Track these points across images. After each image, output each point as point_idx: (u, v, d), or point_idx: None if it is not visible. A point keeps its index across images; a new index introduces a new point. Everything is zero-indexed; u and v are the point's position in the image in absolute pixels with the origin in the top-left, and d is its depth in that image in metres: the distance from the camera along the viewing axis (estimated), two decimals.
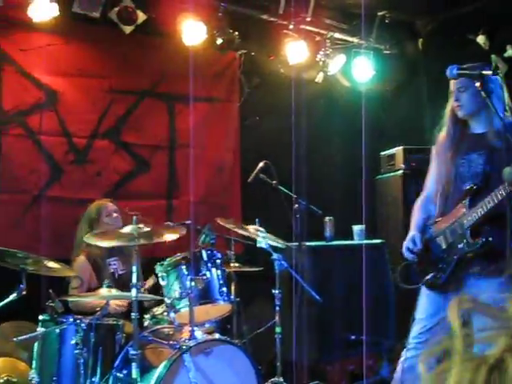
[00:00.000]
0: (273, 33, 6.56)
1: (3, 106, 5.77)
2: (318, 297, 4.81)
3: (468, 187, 3.70)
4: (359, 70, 6.90)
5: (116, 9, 5.78)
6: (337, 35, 6.81)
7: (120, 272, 5.05)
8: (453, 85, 3.82)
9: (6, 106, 5.78)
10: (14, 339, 4.17)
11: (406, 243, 3.90)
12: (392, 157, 6.70)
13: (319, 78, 6.89)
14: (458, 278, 3.73)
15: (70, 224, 5.88)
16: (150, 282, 4.87)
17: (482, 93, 3.52)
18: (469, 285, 3.68)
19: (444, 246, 3.81)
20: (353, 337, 5.65)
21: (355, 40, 6.89)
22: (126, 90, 6.28)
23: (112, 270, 5.06)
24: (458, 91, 3.77)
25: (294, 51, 6.45)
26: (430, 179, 4.03)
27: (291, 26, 6.41)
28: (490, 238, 3.58)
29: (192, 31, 5.93)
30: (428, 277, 3.84)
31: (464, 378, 0.86)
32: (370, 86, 7.03)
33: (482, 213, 3.56)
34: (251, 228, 4.87)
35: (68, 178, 6.00)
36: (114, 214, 5.13)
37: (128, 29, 5.87)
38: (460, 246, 3.70)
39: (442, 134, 3.94)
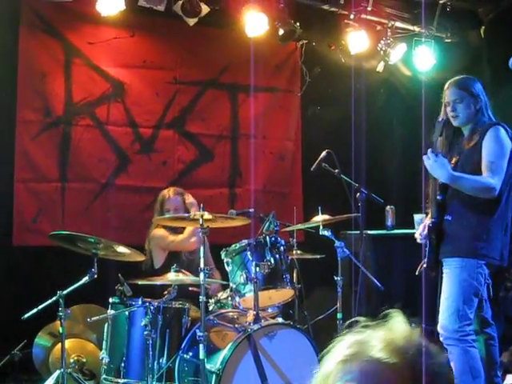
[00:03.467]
0: (334, 23, 6.59)
1: (73, 97, 5.99)
2: (379, 284, 4.85)
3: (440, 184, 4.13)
4: (420, 58, 6.85)
5: (180, 2, 5.89)
6: (398, 24, 6.78)
7: (190, 257, 5.17)
8: (448, 96, 4.14)
9: (75, 98, 6.00)
10: (88, 319, 4.36)
11: (419, 229, 4.31)
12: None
13: (380, 67, 6.89)
14: (437, 262, 4.13)
15: (137, 211, 6.09)
16: None
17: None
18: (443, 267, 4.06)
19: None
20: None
21: (416, 29, 6.85)
22: (190, 80, 6.45)
23: (177, 254, 5.18)
24: (454, 102, 4.09)
25: (355, 41, 6.47)
26: None
27: (352, 16, 6.42)
28: (449, 217, 4.02)
29: (254, 22, 6.01)
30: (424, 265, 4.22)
31: None
32: (432, 75, 6.99)
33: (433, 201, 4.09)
34: (315, 218, 4.95)
35: (134, 167, 6.20)
36: (171, 212, 5.10)
37: (192, 21, 5.99)
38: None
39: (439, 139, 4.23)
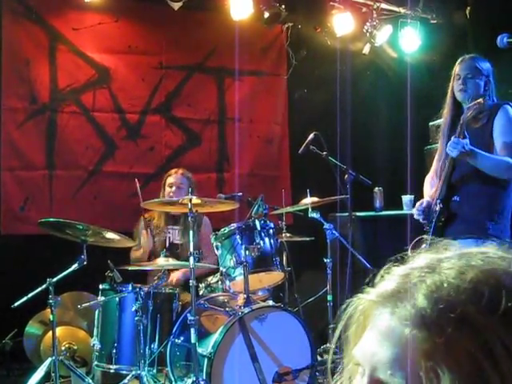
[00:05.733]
0: (319, 5, 6.56)
1: (58, 84, 5.95)
2: (368, 265, 4.87)
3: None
4: (406, 40, 6.84)
5: None
6: (383, 6, 6.75)
7: (175, 241, 5.19)
8: (460, 69, 4.04)
9: (60, 85, 5.96)
10: (78, 306, 4.36)
11: (416, 205, 4.18)
12: (440, 127, 6.66)
13: (366, 49, 6.87)
14: None
15: (124, 198, 6.07)
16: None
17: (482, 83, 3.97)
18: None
19: (431, 217, 4.08)
20: None
21: (402, 10, 6.83)
22: (175, 65, 6.40)
23: (164, 238, 5.18)
24: (465, 76, 4.00)
25: (341, 23, 6.44)
26: (436, 156, 4.31)
27: None
28: (457, 198, 3.95)
29: (239, 6, 5.98)
30: (423, 246, 3.99)
31: None
32: (417, 57, 6.99)
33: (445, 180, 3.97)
34: (304, 200, 4.94)
35: (121, 154, 6.17)
36: (174, 188, 5.16)
37: (176, 5, 5.94)
38: (435, 210, 4.02)
39: (444, 115, 4.22)
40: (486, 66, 4.07)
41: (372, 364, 0.78)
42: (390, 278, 0.82)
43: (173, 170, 5.31)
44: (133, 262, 5.02)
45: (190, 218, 4.11)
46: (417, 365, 0.73)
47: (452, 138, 3.87)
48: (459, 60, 4.11)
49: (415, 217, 4.18)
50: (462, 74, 4.02)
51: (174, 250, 5.02)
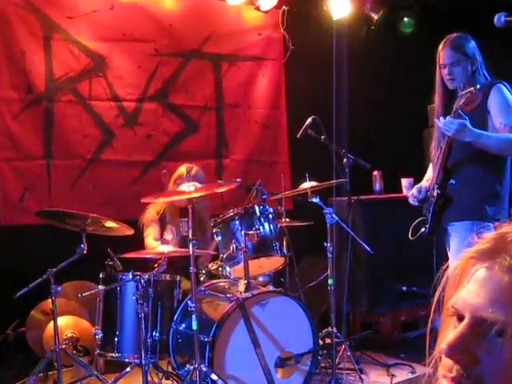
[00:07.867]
0: None
1: (53, 73, 5.91)
2: (369, 249, 4.87)
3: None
4: (403, 22, 6.82)
5: None
6: None
7: (184, 234, 5.13)
8: (443, 58, 3.98)
9: (56, 74, 5.92)
10: (79, 295, 4.36)
11: (413, 190, 4.24)
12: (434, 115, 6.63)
13: (363, 31, 6.84)
14: (438, 227, 4.05)
15: (123, 186, 6.06)
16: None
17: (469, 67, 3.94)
18: (448, 233, 4.01)
19: (429, 201, 4.10)
20: (404, 288, 5.71)
21: None
22: (171, 52, 6.36)
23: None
24: (450, 66, 3.95)
25: (338, 5, 6.41)
26: (432, 143, 4.27)
27: None
28: (453, 181, 3.95)
29: None
30: (422, 229, 4.12)
31: None
32: (415, 38, 6.96)
33: (442, 164, 3.96)
34: (303, 185, 4.91)
35: (119, 142, 6.14)
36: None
37: None
38: (433, 194, 4.03)
39: (436, 102, 4.19)
40: (468, 45, 3.98)
41: (473, 307, 0.92)
42: (484, 241, 0.96)
43: (183, 170, 5.12)
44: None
45: (189, 206, 4.08)
46: None
47: (447, 117, 3.81)
48: (440, 46, 4.01)
49: (410, 201, 4.24)
50: (446, 64, 3.96)
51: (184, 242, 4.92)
